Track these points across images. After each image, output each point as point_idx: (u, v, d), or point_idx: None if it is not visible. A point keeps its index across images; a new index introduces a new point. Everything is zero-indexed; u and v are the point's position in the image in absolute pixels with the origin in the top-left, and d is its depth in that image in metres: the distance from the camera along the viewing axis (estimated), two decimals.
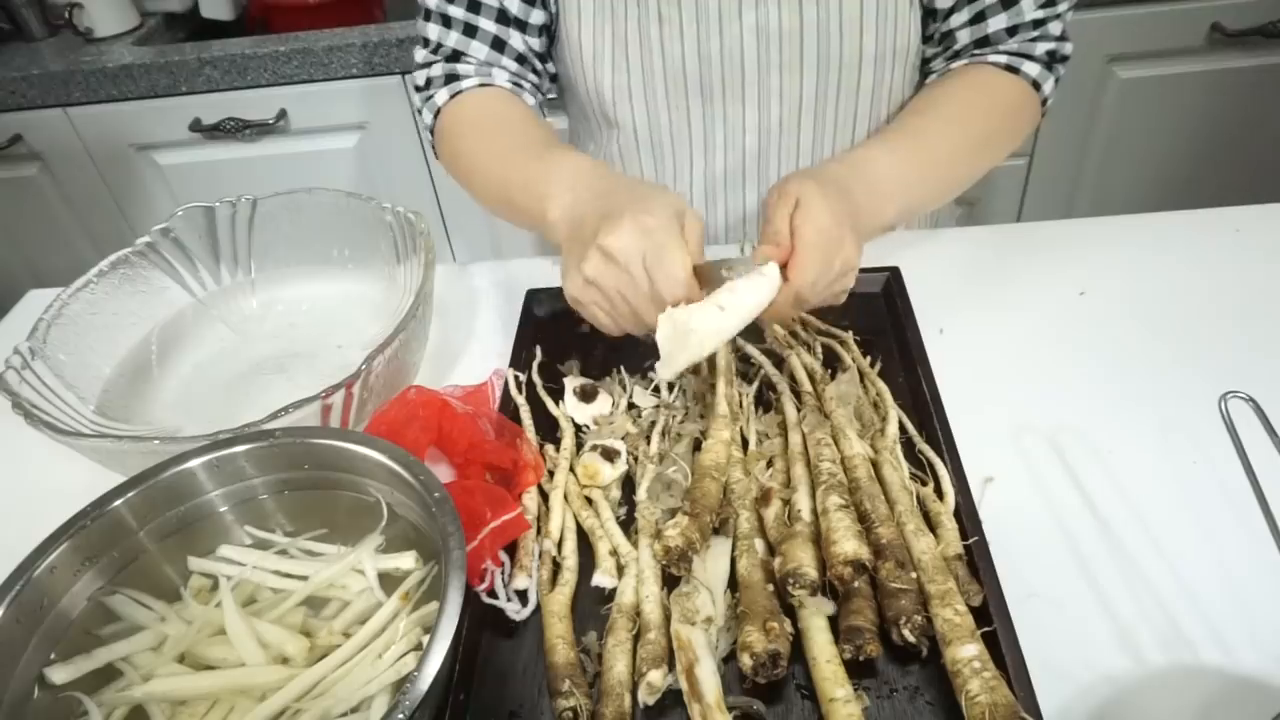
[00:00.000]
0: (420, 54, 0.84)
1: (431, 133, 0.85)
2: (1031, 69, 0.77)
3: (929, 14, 0.79)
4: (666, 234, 0.57)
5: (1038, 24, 0.76)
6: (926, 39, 0.82)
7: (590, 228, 0.60)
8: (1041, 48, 0.77)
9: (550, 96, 0.91)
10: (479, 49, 0.81)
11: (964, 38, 0.78)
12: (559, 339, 0.75)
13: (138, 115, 1.44)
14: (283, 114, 1.42)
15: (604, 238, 0.58)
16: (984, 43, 0.78)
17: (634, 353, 0.72)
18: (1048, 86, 0.79)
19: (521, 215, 0.73)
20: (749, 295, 0.56)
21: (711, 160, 0.86)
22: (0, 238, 1.63)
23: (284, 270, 0.83)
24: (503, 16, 0.80)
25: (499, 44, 0.81)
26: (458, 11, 0.80)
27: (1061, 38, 0.78)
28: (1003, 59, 0.78)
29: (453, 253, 1.62)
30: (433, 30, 0.82)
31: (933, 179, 0.74)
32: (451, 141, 0.82)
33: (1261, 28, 1.34)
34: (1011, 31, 0.77)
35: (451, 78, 0.82)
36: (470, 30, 0.80)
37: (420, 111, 0.85)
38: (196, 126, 1.42)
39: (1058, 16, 0.77)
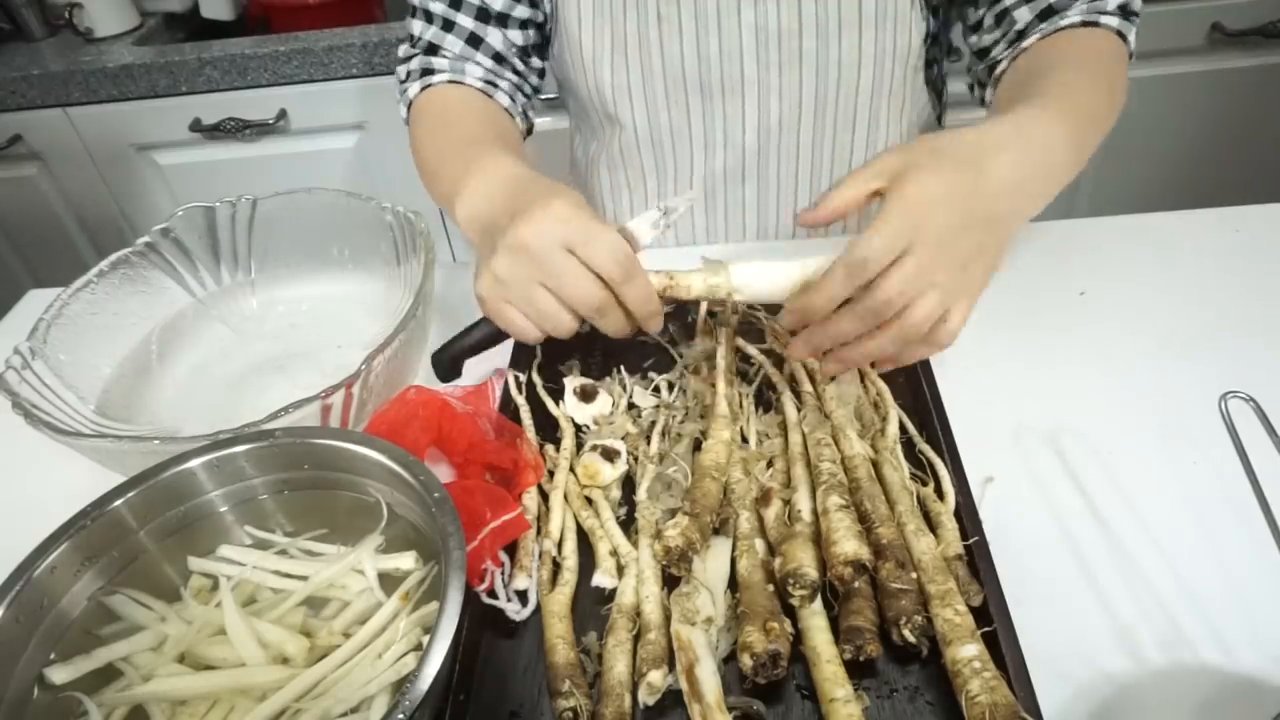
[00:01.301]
0: (403, 49, 0.86)
1: (407, 124, 0.85)
2: (1112, 22, 0.71)
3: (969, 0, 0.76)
4: (586, 216, 0.56)
5: None
6: (975, 27, 0.78)
7: (501, 226, 0.58)
8: (1113, 2, 0.71)
9: (550, 96, 0.90)
10: (454, 43, 0.82)
11: (1025, 15, 0.73)
12: (559, 339, 0.74)
13: (138, 115, 1.44)
14: (283, 114, 1.42)
15: (517, 229, 0.56)
16: (1048, 13, 0.73)
17: (634, 353, 0.72)
18: (1131, 37, 0.72)
19: (448, 209, 0.71)
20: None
21: (712, 158, 0.86)
22: (0, 238, 1.63)
23: (284, 270, 0.83)
24: (482, 14, 0.81)
25: (475, 40, 0.82)
26: (438, 7, 0.81)
27: None
28: (1078, 18, 0.71)
29: (453, 253, 1.62)
30: (416, 25, 0.83)
31: (1088, 145, 0.64)
32: (411, 132, 0.82)
33: (1261, 28, 1.34)
34: None
35: (426, 71, 0.82)
36: (448, 25, 0.81)
37: (399, 103, 0.86)
38: (196, 126, 1.42)
39: None
